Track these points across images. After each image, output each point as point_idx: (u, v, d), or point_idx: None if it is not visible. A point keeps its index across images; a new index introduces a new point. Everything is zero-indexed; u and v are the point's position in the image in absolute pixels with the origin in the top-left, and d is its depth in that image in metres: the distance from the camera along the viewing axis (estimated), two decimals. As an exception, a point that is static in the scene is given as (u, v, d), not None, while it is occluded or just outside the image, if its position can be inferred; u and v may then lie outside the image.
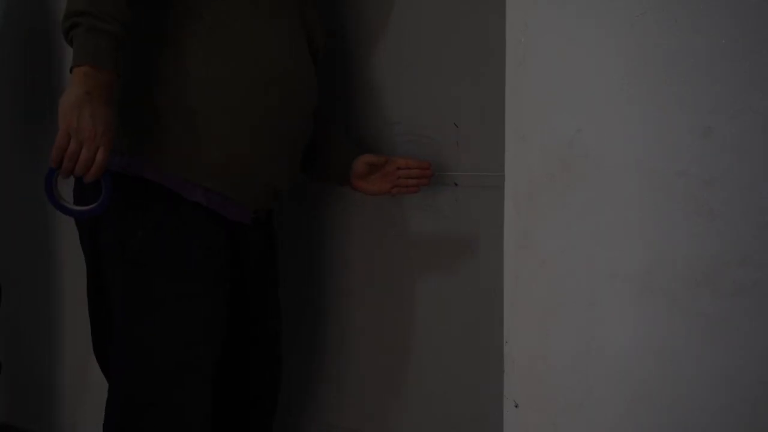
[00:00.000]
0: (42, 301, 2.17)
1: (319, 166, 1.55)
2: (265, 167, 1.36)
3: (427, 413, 1.59)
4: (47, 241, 2.13)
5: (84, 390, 2.08)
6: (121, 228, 1.29)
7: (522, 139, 1.00)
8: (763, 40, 0.84)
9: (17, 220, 2.22)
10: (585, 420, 0.96)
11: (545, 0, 0.98)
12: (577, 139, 0.95)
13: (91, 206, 1.22)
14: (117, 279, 1.31)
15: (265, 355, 1.49)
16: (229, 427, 1.46)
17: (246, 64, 1.31)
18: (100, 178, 1.19)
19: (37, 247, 2.16)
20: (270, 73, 1.33)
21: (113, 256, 1.31)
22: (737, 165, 0.85)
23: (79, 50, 1.17)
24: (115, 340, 1.33)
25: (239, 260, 1.41)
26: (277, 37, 1.36)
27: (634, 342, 0.91)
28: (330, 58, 1.62)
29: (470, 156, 1.49)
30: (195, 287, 1.31)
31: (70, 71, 1.17)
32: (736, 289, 0.84)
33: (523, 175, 1.00)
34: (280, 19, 1.37)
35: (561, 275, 0.96)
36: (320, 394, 1.75)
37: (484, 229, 1.48)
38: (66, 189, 1.27)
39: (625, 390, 0.92)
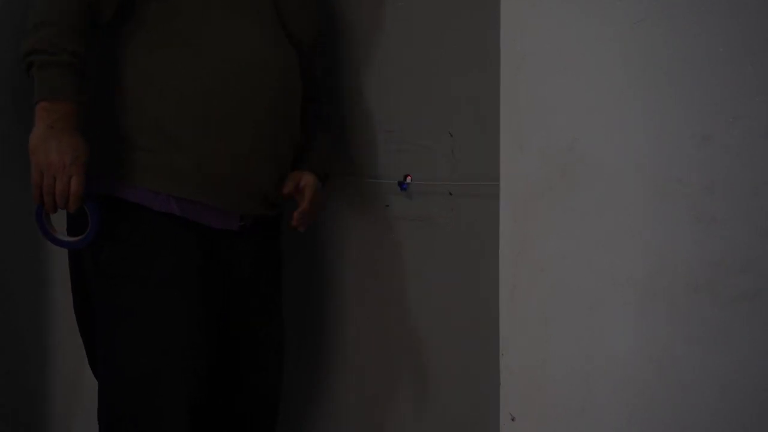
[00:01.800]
0: (33, 310, 2.15)
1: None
2: (241, 170, 1.34)
3: (422, 425, 1.58)
4: (38, 249, 2.11)
5: (77, 400, 2.06)
6: (94, 244, 1.30)
7: (518, 147, 1.00)
8: (761, 47, 0.83)
9: (7, 227, 2.20)
10: (583, 432, 0.95)
11: (541, 6, 0.97)
12: (575, 146, 0.94)
13: (81, 237, 1.27)
14: (94, 293, 1.34)
15: (259, 365, 1.47)
16: None
17: (204, 68, 1.30)
18: (85, 207, 1.24)
19: (29, 254, 2.14)
20: (231, 74, 1.31)
21: (89, 271, 1.34)
22: (737, 171, 0.84)
23: (37, 87, 1.23)
24: (97, 352, 1.35)
25: (226, 269, 1.39)
26: (240, 35, 1.34)
27: (634, 350, 0.90)
28: (323, 65, 1.61)
29: (465, 165, 1.48)
30: (166, 296, 1.31)
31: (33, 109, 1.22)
32: (738, 295, 0.84)
33: (519, 183, 1.00)
34: (243, 17, 1.35)
35: (559, 284, 0.95)
36: (316, 405, 1.73)
37: (480, 238, 1.47)
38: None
39: (625, 399, 0.91)
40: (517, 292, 1.00)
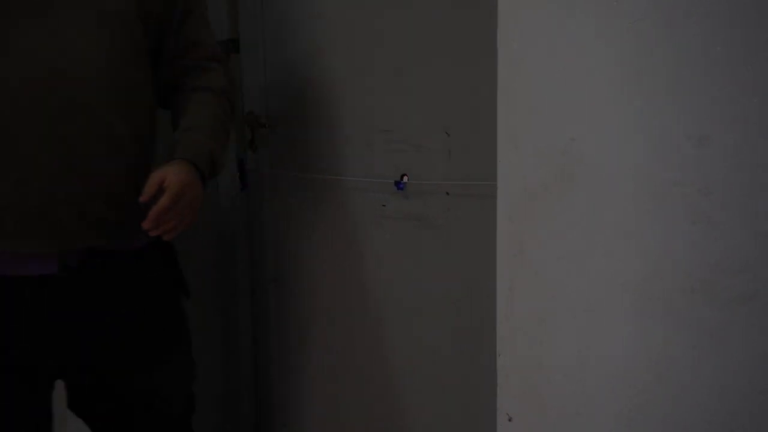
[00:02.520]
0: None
1: None
2: (39, 199, 1.16)
3: (417, 427, 1.57)
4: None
5: None
6: None
7: (515, 147, 0.99)
8: (760, 47, 0.83)
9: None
10: (580, 433, 0.94)
11: (538, 5, 0.97)
12: (573, 146, 0.93)
13: None
14: None
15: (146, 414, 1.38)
16: None
17: None
18: None
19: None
20: (7, 90, 1.14)
21: None
22: (735, 173, 0.84)
23: None
24: None
25: (60, 319, 1.22)
26: (26, 38, 1.15)
27: (631, 351, 0.89)
28: (319, 63, 1.61)
29: (462, 164, 1.48)
30: None
31: None
32: (735, 296, 0.83)
33: (516, 184, 0.99)
34: (40, 21, 1.17)
35: (556, 285, 0.95)
36: (311, 406, 1.73)
37: (477, 238, 1.47)
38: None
39: (622, 400, 0.90)
40: (514, 293, 0.99)
